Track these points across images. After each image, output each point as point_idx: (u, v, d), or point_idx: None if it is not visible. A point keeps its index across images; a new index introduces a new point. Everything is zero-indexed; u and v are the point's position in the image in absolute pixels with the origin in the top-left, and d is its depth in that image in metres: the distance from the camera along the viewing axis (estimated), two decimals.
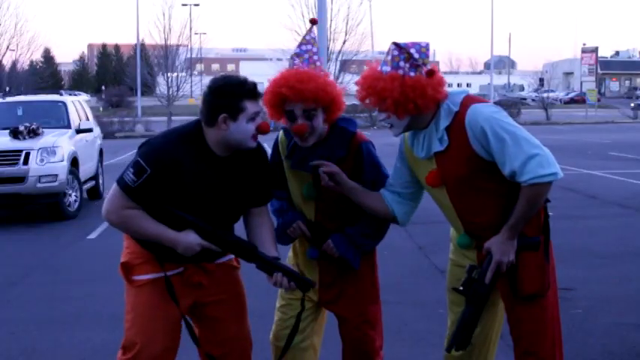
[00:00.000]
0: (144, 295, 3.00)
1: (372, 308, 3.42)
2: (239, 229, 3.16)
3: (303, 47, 3.25)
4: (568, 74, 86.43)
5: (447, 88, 3.01)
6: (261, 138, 3.04)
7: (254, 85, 2.92)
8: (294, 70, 3.18)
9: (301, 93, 3.07)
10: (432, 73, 2.91)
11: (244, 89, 2.88)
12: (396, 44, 2.94)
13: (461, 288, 3.03)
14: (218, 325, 3.12)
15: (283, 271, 2.97)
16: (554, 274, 3.11)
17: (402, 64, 2.92)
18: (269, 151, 3.30)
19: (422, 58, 2.93)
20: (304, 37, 3.28)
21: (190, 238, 2.90)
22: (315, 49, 3.25)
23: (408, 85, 2.89)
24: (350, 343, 3.42)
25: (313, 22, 3.35)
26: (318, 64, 3.23)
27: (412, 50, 2.92)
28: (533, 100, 53.99)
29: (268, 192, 3.18)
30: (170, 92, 41.67)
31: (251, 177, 3.05)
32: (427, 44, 2.95)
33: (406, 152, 3.17)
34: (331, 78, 3.25)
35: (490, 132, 2.84)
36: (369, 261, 3.39)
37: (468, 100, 2.96)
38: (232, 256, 3.18)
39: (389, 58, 2.95)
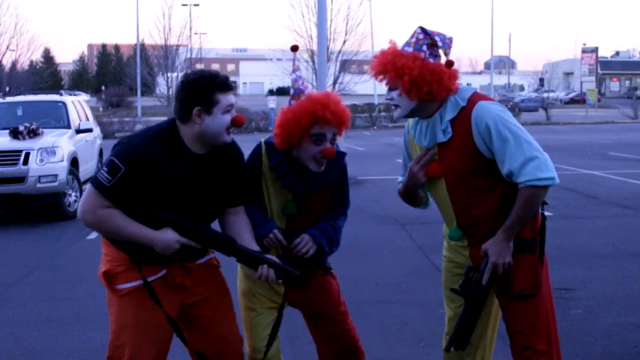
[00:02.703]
0: (128, 304, 2.97)
1: (342, 298, 3.49)
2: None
3: (298, 73, 3.31)
4: (568, 74, 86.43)
5: (459, 83, 3.07)
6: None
7: (226, 77, 2.94)
8: (326, 93, 3.23)
9: (341, 117, 3.14)
10: (451, 64, 2.97)
11: (216, 82, 2.89)
12: (422, 28, 3.00)
13: (459, 289, 3.06)
14: (207, 324, 3.10)
15: (266, 262, 2.96)
16: (547, 273, 3.13)
17: (424, 48, 2.98)
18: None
19: (444, 48, 2.99)
20: (295, 65, 3.34)
21: (168, 236, 2.88)
22: (303, 75, 3.34)
23: (428, 68, 2.95)
24: (332, 337, 3.45)
25: (294, 49, 3.39)
26: (306, 87, 3.31)
27: (437, 38, 2.98)
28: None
29: (246, 192, 3.16)
30: (170, 92, 41.63)
31: (228, 176, 3.05)
32: (451, 38, 3.01)
33: (410, 143, 3.22)
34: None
35: (494, 130, 2.88)
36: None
37: (476, 97, 3.01)
38: (212, 256, 3.17)
39: (413, 40, 3.00)
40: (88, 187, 2.93)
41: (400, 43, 3.06)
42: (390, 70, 2.98)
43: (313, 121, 3.10)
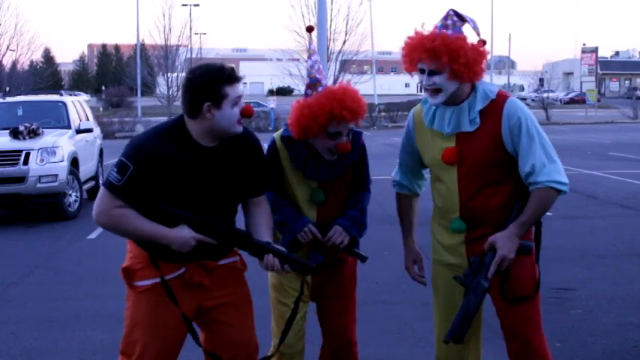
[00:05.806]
0: (143, 301, 2.96)
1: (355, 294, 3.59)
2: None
3: (313, 58, 3.25)
4: (568, 74, 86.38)
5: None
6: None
7: (232, 69, 2.91)
8: (343, 87, 3.18)
9: (357, 112, 3.13)
10: (485, 42, 3.00)
11: (224, 75, 2.86)
12: (454, 11, 2.99)
13: (461, 277, 3.05)
14: (223, 329, 3.06)
15: (283, 256, 2.94)
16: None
17: (462, 30, 2.99)
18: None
19: (477, 30, 3.01)
20: (310, 49, 3.30)
21: (184, 233, 2.87)
22: (319, 59, 3.28)
23: (476, 49, 2.96)
24: (330, 332, 3.51)
25: (310, 29, 3.37)
26: (322, 74, 3.26)
27: (469, 20, 3.00)
28: (533, 100, 53.98)
29: (265, 181, 3.14)
30: (170, 92, 41.69)
31: (243, 165, 3.01)
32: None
33: (416, 128, 3.19)
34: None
35: (524, 126, 2.94)
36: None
37: (505, 92, 3.06)
38: (237, 259, 3.13)
39: (449, 22, 2.97)
40: (100, 190, 2.92)
41: (402, 41, 3.04)
42: (445, 53, 2.90)
43: (330, 117, 3.08)
